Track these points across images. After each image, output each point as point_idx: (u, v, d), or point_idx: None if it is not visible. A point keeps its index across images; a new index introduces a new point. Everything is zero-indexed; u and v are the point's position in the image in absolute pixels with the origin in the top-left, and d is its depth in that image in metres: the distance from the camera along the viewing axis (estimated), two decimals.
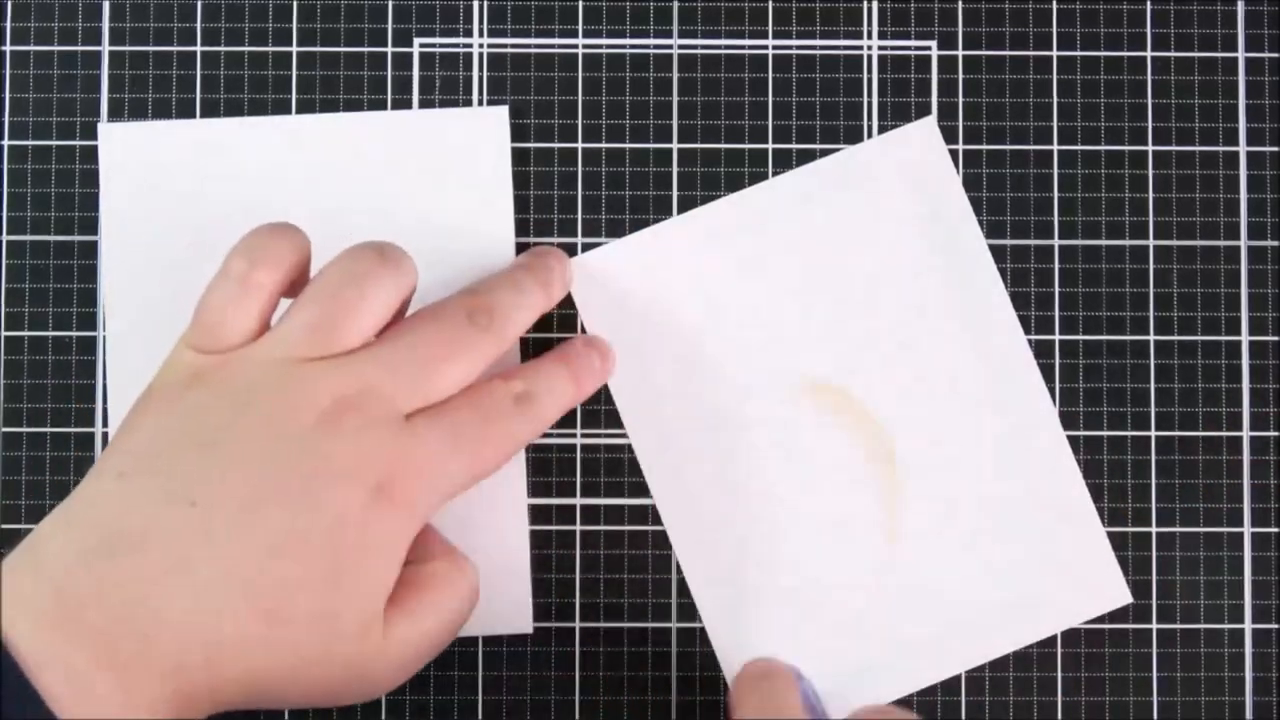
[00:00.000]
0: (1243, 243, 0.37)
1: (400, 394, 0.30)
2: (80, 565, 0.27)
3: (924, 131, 0.37)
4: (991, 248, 0.37)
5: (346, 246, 0.32)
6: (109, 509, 0.28)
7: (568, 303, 0.37)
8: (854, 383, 0.36)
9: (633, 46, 0.37)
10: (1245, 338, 0.37)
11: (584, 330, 0.37)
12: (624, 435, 0.36)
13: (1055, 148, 0.37)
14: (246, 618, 0.28)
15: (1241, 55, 0.37)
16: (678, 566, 0.36)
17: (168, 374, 0.31)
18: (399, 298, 0.31)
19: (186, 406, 0.29)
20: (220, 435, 0.29)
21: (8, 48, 0.37)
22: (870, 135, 0.37)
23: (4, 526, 0.36)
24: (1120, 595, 0.36)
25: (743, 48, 0.37)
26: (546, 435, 0.36)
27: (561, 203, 0.37)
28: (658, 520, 0.36)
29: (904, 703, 0.36)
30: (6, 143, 0.37)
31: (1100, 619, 0.36)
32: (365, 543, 0.29)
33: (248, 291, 0.30)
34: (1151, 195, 0.37)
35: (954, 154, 0.37)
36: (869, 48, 0.37)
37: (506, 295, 0.33)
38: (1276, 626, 0.36)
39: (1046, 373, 0.37)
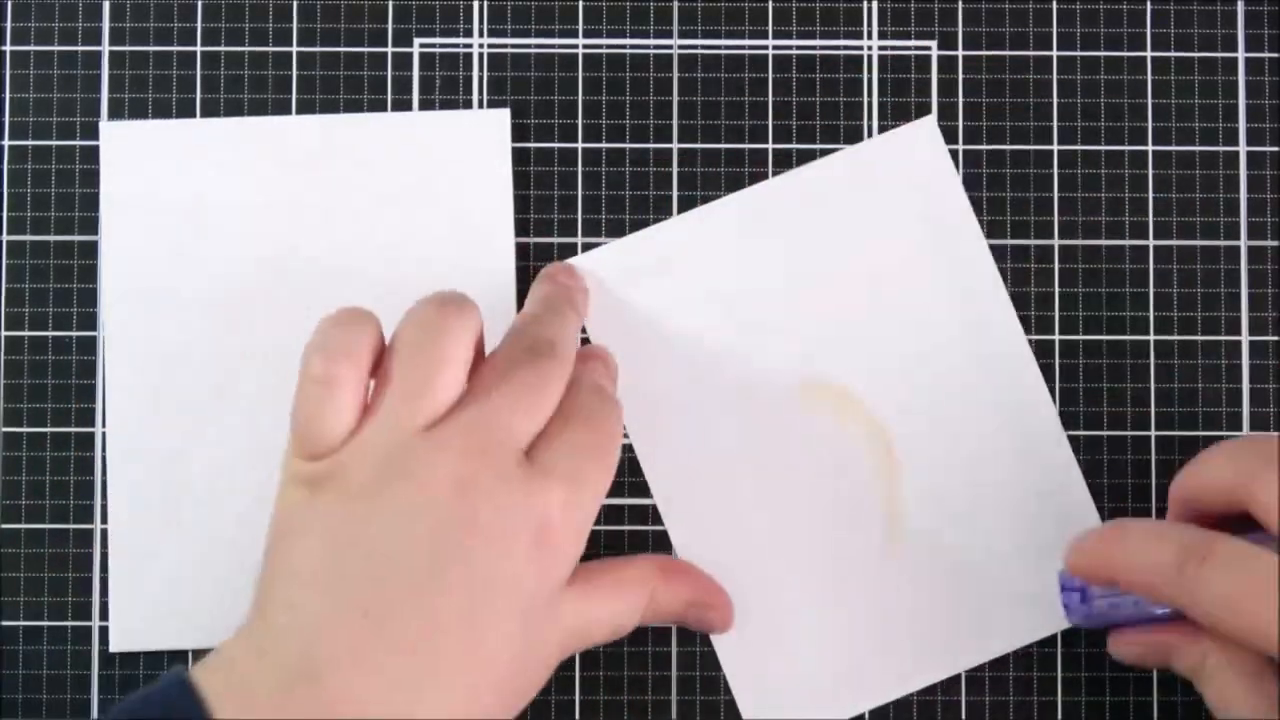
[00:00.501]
0: (1243, 243, 0.37)
1: (513, 437, 0.30)
2: (282, 692, 0.28)
3: (924, 131, 0.37)
4: (991, 248, 0.37)
5: (414, 301, 0.32)
6: (294, 640, 0.28)
7: None
8: (854, 382, 0.36)
9: (633, 46, 0.37)
10: (1245, 338, 0.37)
11: (584, 330, 0.37)
12: (624, 436, 0.36)
13: (1055, 148, 0.37)
14: (450, 704, 0.28)
15: (1241, 55, 0.37)
16: None
17: (289, 493, 0.30)
18: (473, 339, 0.31)
19: (322, 519, 0.29)
20: (364, 535, 0.29)
21: (8, 48, 0.37)
22: (870, 135, 0.37)
23: (4, 526, 0.36)
24: None
25: (743, 48, 0.37)
26: None
27: (561, 203, 0.37)
28: (658, 520, 0.36)
29: (904, 703, 0.36)
30: (6, 143, 0.37)
31: None
32: (543, 583, 0.30)
33: (334, 390, 0.30)
34: (1151, 195, 0.37)
35: (954, 154, 0.37)
36: (869, 48, 0.37)
37: (552, 321, 0.33)
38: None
39: (1046, 373, 0.37)
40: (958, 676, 0.36)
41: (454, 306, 0.31)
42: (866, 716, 0.36)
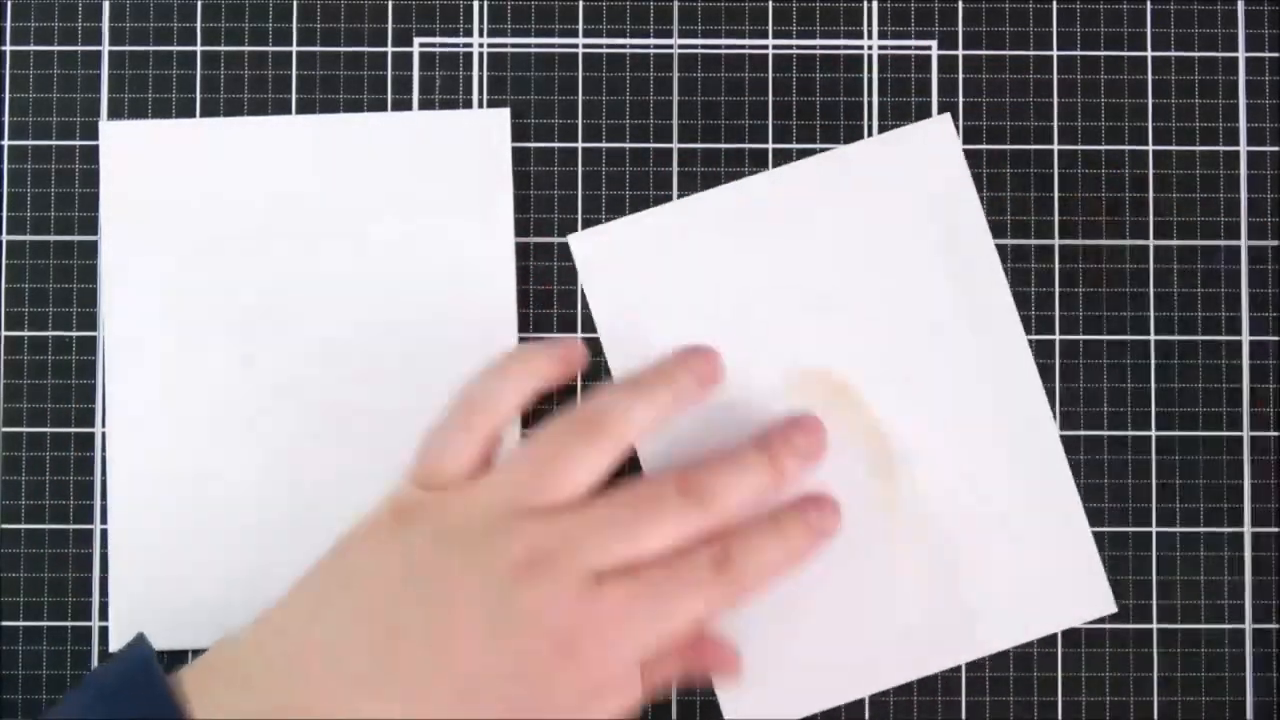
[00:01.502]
0: (1243, 243, 0.37)
1: (596, 553, 0.30)
2: (285, 688, 0.29)
3: (940, 129, 0.37)
4: None
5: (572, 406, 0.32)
6: (305, 634, 0.30)
7: (567, 303, 0.37)
8: (855, 378, 0.36)
9: (633, 46, 0.37)
10: (1245, 338, 0.37)
11: (590, 325, 0.37)
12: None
13: (1055, 148, 0.37)
14: None
15: (1241, 55, 0.37)
16: None
17: (387, 505, 0.32)
18: (610, 467, 0.32)
19: (396, 541, 0.31)
20: (421, 571, 0.30)
21: (8, 48, 0.37)
22: (870, 135, 0.37)
23: (4, 526, 0.36)
24: (1104, 604, 0.36)
25: (743, 48, 0.37)
26: None
27: (561, 203, 0.37)
28: None
29: (904, 703, 0.36)
30: (6, 143, 0.37)
31: (1101, 619, 0.36)
32: (550, 697, 0.30)
33: (469, 436, 0.32)
34: (1151, 195, 0.37)
35: None
36: (869, 48, 0.37)
37: (723, 475, 0.32)
38: (1276, 626, 0.36)
39: (1046, 373, 0.37)
40: (958, 676, 0.36)
41: (609, 434, 0.32)
42: (866, 717, 0.36)
